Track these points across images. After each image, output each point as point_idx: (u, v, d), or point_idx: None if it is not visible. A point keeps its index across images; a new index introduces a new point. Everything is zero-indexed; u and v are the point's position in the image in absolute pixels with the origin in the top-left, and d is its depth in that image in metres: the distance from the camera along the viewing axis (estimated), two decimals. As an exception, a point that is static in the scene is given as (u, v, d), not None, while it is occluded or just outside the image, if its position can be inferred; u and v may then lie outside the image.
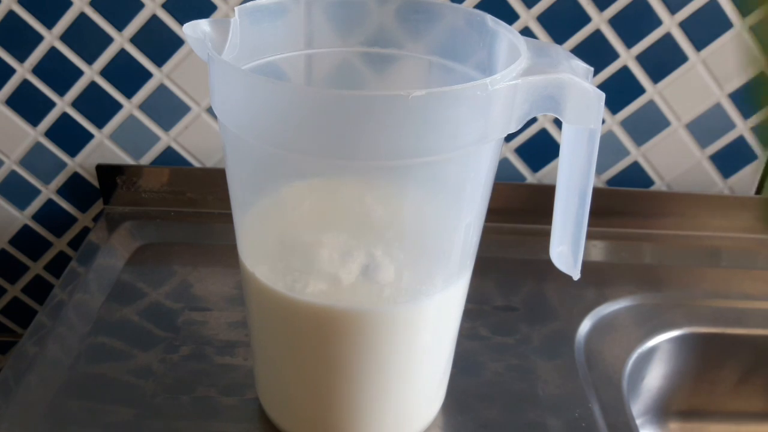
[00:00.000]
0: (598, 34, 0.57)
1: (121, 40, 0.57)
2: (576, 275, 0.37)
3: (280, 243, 0.36)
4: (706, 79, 0.58)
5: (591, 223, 0.36)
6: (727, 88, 0.59)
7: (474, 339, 0.50)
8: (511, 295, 0.54)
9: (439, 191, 0.33)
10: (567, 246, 0.37)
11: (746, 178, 0.63)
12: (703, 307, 0.55)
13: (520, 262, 0.58)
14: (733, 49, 0.57)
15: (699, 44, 0.57)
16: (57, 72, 0.59)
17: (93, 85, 0.59)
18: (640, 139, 0.62)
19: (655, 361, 0.53)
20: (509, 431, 0.43)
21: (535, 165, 0.63)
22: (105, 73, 0.59)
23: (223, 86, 0.31)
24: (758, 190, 0.64)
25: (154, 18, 0.56)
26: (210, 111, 0.60)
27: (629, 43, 0.57)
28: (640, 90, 0.59)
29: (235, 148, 0.34)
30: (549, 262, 0.37)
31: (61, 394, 0.44)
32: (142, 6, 0.56)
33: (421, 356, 0.38)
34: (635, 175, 0.64)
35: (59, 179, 0.64)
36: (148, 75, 0.59)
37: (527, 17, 0.56)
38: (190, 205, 0.63)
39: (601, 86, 0.57)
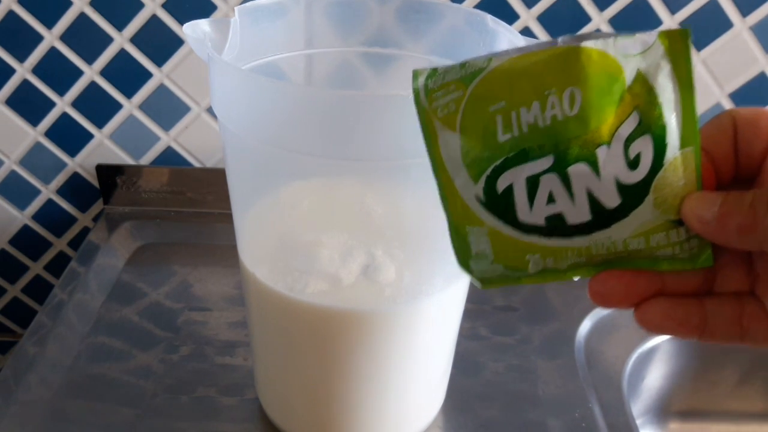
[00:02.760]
0: (598, 34, 0.57)
1: (121, 40, 0.57)
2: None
3: (280, 243, 0.36)
4: (707, 78, 0.58)
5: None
6: (727, 88, 0.59)
7: (474, 339, 0.50)
8: (511, 295, 0.54)
9: (439, 191, 0.33)
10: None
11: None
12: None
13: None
14: (733, 49, 0.57)
15: (699, 44, 0.57)
16: (57, 72, 0.59)
17: (93, 85, 0.59)
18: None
19: (655, 361, 0.53)
20: (509, 431, 0.43)
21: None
22: (105, 73, 0.59)
23: (223, 86, 0.31)
24: None
25: (154, 18, 0.56)
26: (210, 111, 0.60)
27: (629, 43, 0.57)
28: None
29: (235, 148, 0.34)
30: (549, 262, 0.37)
31: (61, 394, 0.44)
32: (142, 6, 0.56)
33: (421, 356, 0.38)
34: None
35: (59, 179, 0.64)
36: (148, 75, 0.59)
37: (527, 17, 0.56)
38: (190, 205, 0.63)
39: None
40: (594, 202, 0.23)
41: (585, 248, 0.23)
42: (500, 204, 0.24)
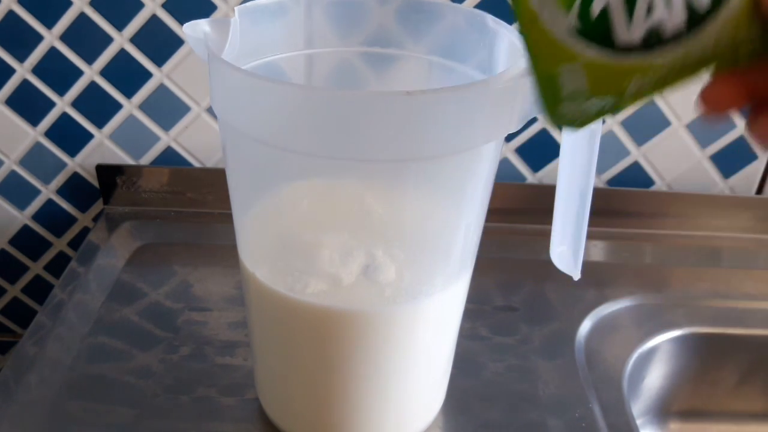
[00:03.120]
0: (598, 34, 0.57)
1: (121, 40, 0.57)
2: (576, 275, 0.37)
3: (280, 243, 0.36)
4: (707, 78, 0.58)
5: (591, 223, 0.36)
6: (727, 88, 0.59)
7: (474, 339, 0.50)
8: (511, 295, 0.54)
9: (439, 191, 0.33)
10: (567, 246, 0.37)
11: (746, 178, 0.63)
12: (703, 307, 0.55)
13: (520, 262, 0.58)
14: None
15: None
16: (57, 72, 0.59)
17: (93, 85, 0.59)
18: (640, 139, 0.62)
19: (655, 362, 0.53)
20: (509, 431, 0.43)
21: (536, 165, 0.63)
22: (105, 73, 0.59)
23: (223, 86, 0.31)
24: (758, 190, 0.64)
25: (154, 18, 0.56)
26: (210, 111, 0.60)
27: (629, 43, 0.57)
28: (640, 90, 0.59)
29: (235, 148, 0.34)
30: (549, 262, 0.37)
31: (61, 394, 0.44)
32: (142, 6, 0.56)
33: (421, 356, 0.38)
34: (636, 175, 0.63)
35: (59, 179, 0.64)
36: (148, 75, 0.59)
37: (527, 17, 0.56)
38: (190, 205, 0.63)
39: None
40: (689, 4, 0.23)
41: (680, 57, 0.23)
42: (597, 28, 0.23)
